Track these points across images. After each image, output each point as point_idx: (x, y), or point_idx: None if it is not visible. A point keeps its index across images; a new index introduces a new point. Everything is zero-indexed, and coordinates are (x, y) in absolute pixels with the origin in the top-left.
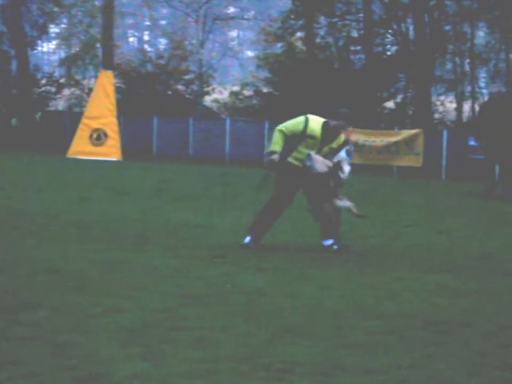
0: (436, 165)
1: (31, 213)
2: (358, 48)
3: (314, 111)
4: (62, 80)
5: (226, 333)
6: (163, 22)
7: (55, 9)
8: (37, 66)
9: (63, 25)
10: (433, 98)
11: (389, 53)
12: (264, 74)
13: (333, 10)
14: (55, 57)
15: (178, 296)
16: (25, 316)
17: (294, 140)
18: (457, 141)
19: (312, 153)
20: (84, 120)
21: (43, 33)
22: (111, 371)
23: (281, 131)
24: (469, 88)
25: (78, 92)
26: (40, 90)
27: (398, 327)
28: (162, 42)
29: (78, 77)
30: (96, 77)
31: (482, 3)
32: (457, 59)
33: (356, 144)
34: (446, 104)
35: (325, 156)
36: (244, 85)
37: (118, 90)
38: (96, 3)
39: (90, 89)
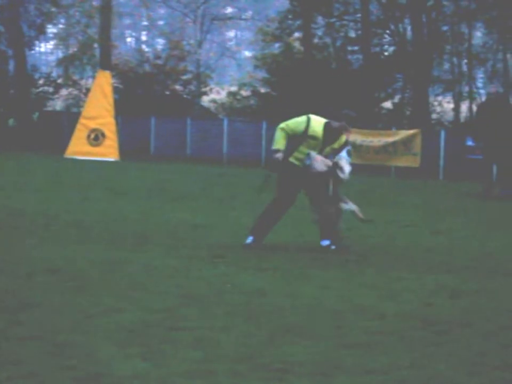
0: (434, 165)
1: (30, 213)
2: (356, 48)
3: (312, 111)
4: (59, 80)
5: (226, 333)
6: (161, 22)
7: (53, 9)
8: (35, 67)
9: (60, 26)
10: (431, 98)
11: (386, 53)
12: (261, 74)
13: (331, 10)
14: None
15: (178, 296)
16: (25, 316)
17: (296, 140)
18: (454, 141)
19: (312, 152)
20: (82, 121)
21: (41, 33)
22: (111, 371)
23: (283, 129)
24: (466, 89)
25: (75, 92)
26: (37, 90)
27: (398, 327)
28: (160, 43)
29: (75, 77)
30: (93, 77)
31: (480, 3)
32: (454, 59)
33: (353, 144)
34: (444, 105)
35: (326, 156)
36: (242, 85)
37: (115, 90)
38: (94, 3)
39: (88, 90)
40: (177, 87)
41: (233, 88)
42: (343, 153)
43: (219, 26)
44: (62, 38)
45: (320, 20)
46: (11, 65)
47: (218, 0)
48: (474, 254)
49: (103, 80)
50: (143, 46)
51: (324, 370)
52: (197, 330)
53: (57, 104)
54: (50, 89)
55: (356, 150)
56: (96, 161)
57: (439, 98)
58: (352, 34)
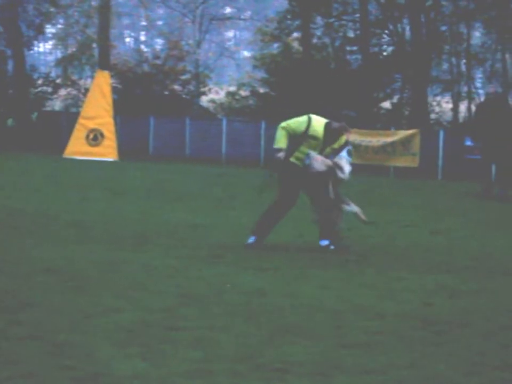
0: (432, 165)
1: (30, 213)
2: (355, 48)
3: (311, 111)
4: (58, 81)
5: (226, 333)
6: (159, 22)
7: (52, 9)
8: (33, 67)
9: (59, 26)
10: (430, 98)
11: (385, 53)
12: (260, 74)
13: (330, 10)
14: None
15: (178, 296)
16: (25, 316)
17: (296, 139)
18: (453, 141)
19: (312, 152)
20: (80, 121)
21: (39, 33)
22: (110, 371)
23: (284, 128)
24: (465, 89)
25: (74, 92)
26: (36, 90)
27: (398, 327)
28: (159, 43)
29: (74, 77)
30: (92, 77)
31: (479, 3)
32: (453, 59)
33: (352, 144)
34: (442, 105)
35: (326, 156)
36: (241, 85)
37: (114, 90)
38: (93, 3)
39: (87, 90)
40: (176, 87)
41: (232, 88)
42: (344, 153)
43: (218, 26)
44: (61, 38)
45: (319, 20)
46: (10, 65)
47: (217, 0)
48: (474, 254)
49: (101, 80)
50: (142, 46)
51: (323, 370)
52: (196, 330)
53: (56, 104)
54: (49, 89)
55: (354, 150)
56: (95, 161)
57: (438, 98)
58: (351, 34)
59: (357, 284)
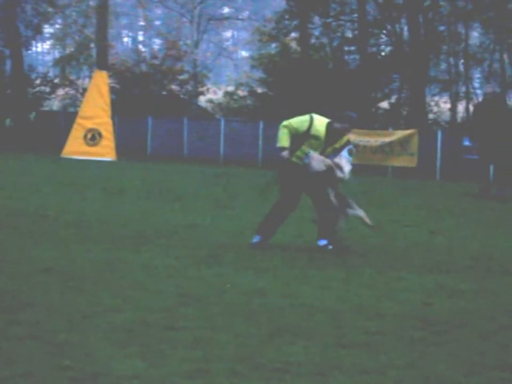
0: (430, 165)
1: (30, 213)
2: (353, 48)
3: (310, 111)
4: (56, 80)
5: (225, 333)
6: (157, 22)
7: (50, 9)
8: (31, 67)
9: (57, 26)
10: (428, 98)
11: (383, 54)
12: (258, 74)
13: (327, 10)
14: (49, 57)
15: (178, 296)
16: (24, 316)
17: (298, 139)
18: (451, 141)
19: (311, 151)
20: (78, 120)
21: (37, 33)
22: (110, 371)
23: (286, 127)
24: (463, 89)
25: (72, 92)
26: (34, 90)
27: (397, 327)
28: (157, 43)
29: (72, 77)
30: (90, 77)
31: (477, 4)
32: (451, 59)
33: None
34: (441, 105)
35: (326, 156)
36: (239, 85)
37: (112, 90)
38: (91, 3)
39: (85, 89)
40: (174, 87)
41: (230, 88)
42: (344, 153)
43: (216, 26)
44: (59, 38)
45: (317, 20)
46: (8, 65)
47: (215, 0)
48: (474, 254)
49: (99, 80)
50: (140, 46)
51: (323, 370)
52: (196, 330)
53: (54, 104)
54: (47, 89)
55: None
56: (92, 161)
57: (436, 98)
58: (349, 34)
59: (357, 284)
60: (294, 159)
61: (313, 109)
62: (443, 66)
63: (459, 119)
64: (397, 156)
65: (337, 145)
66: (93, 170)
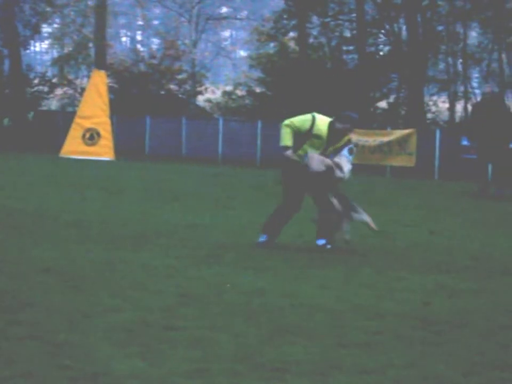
0: (429, 165)
1: (30, 213)
2: (351, 48)
3: (308, 111)
4: (54, 80)
5: (225, 333)
6: (156, 22)
7: (48, 9)
8: (30, 66)
9: (55, 25)
10: (426, 98)
11: (381, 53)
12: (257, 74)
13: (326, 10)
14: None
15: (177, 296)
16: (24, 316)
17: (300, 138)
18: (450, 141)
19: (310, 152)
20: (77, 120)
21: (36, 33)
22: (110, 371)
23: (288, 126)
24: (461, 88)
25: (70, 92)
26: (32, 90)
27: (397, 327)
28: (155, 42)
29: (70, 76)
30: (88, 76)
31: (475, 3)
32: (450, 59)
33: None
34: (439, 104)
35: (327, 156)
36: (237, 85)
37: (110, 90)
38: (89, 3)
39: (83, 89)
40: (172, 86)
41: (229, 88)
42: (344, 152)
43: (214, 26)
44: (57, 38)
45: (315, 19)
46: (6, 65)
47: (213, 0)
48: (473, 254)
49: (98, 80)
50: (138, 46)
51: (322, 369)
52: (196, 330)
53: (52, 104)
54: (45, 89)
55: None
56: (91, 161)
57: (434, 98)
58: (347, 34)
59: (357, 284)
60: (295, 158)
61: (312, 108)
62: (441, 66)
63: (457, 119)
64: (395, 156)
65: (338, 145)
66: (91, 170)
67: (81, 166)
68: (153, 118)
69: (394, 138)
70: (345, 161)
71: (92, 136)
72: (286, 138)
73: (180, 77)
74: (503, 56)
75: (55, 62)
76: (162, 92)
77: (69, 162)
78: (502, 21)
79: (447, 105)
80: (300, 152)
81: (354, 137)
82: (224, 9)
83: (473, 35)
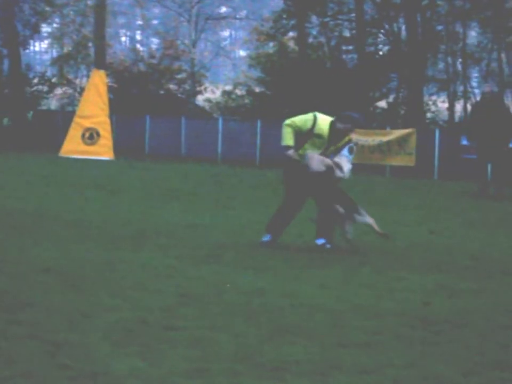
0: (428, 164)
1: (29, 213)
2: (350, 47)
3: (307, 110)
4: (54, 80)
5: (225, 333)
6: (155, 22)
7: (47, 8)
8: (29, 66)
9: (55, 25)
10: (426, 98)
11: (381, 53)
12: (256, 73)
13: (325, 10)
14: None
15: (177, 296)
16: (24, 315)
17: (301, 137)
18: (449, 140)
19: (309, 152)
20: (76, 119)
21: (35, 32)
22: (109, 370)
23: (289, 125)
24: (461, 88)
25: (70, 91)
26: (32, 89)
27: (396, 326)
28: (155, 42)
29: (70, 76)
30: (88, 76)
31: (474, 3)
32: (449, 59)
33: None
34: (438, 104)
35: (328, 155)
36: (236, 85)
37: (110, 89)
38: (88, 2)
39: (83, 89)
40: (172, 86)
41: (228, 87)
42: (344, 151)
43: (213, 26)
44: (57, 37)
45: (314, 19)
46: (5, 65)
47: None
48: (473, 254)
49: (97, 79)
50: (138, 45)
51: (322, 369)
52: (196, 330)
53: (52, 103)
54: (45, 88)
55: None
56: (90, 160)
57: (434, 97)
58: (347, 33)
59: (356, 284)
60: (297, 157)
61: (311, 108)
62: (441, 65)
63: (457, 119)
64: (395, 155)
65: (339, 145)
66: (91, 170)
67: (81, 165)
68: (153, 118)
69: (394, 138)
70: (345, 161)
71: (91, 136)
72: (288, 138)
73: (179, 76)
74: (503, 55)
75: (55, 61)
76: (162, 92)
77: (68, 161)
78: (501, 20)
79: (446, 105)
80: (301, 151)
81: (354, 136)
82: (223, 9)
83: (473, 35)
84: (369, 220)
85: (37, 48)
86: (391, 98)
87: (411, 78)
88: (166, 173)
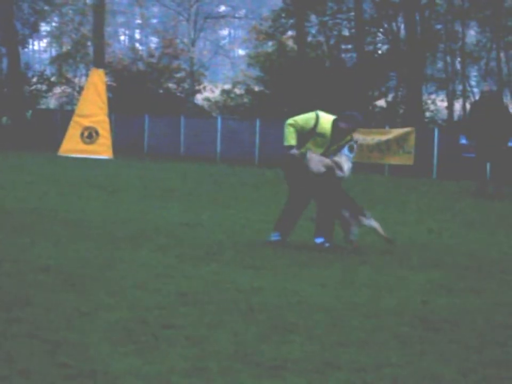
0: (427, 163)
1: (28, 212)
2: (349, 46)
3: (306, 109)
4: (53, 79)
5: (223, 331)
6: (154, 21)
7: (46, 7)
8: (28, 65)
9: (54, 24)
10: (424, 97)
11: (380, 52)
12: (255, 72)
13: (324, 9)
14: (46, 56)
15: (176, 295)
16: (21, 314)
17: (303, 136)
18: (448, 139)
19: (309, 153)
20: (75, 118)
21: (34, 31)
22: (107, 369)
23: (291, 125)
24: (460, 87)
25: (69, 90)
26: (31, 88)
27: (395, 325)
28: (154, 41)
29: (69, 75)
30: (87, 75)
31: (473, 2)
32: (448, 58)
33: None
34: (437, 103)
35: (328, 155)
36: (235, 83)
37: (109, 88)
38: (87, 1)
39: (82, 88)
40: (171, 85)
41: (227, 86)
42: (344, 150)
43: (212, 25)
44: (56, 36)
45: (313, 18)
46: (4, 63)
47: None
48: (472, 253)
49: (96, 78)
50: (137, 44)
51: (320, 367)
52: (194, 328)
53: (51, 102)
54: (44, 87)
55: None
56: (89, 159)
57: (433, 96)
58: (346, 32)
59: (356, 283)
60: (300, 156)
61: (311, 107)
62: (440, 64)
63: (456, 117)
64: (393, 154)
65: (341, 143)
66: (90, 169)
67: (80, 164)
68: (152, 117)
69: (393, 137)
70: (345, 160)
71: (90, 135)
72: (290, 138)
73: (178, 75)
74: (502, 54)
75: (54, 60)
76: (161, 91)
77: (67, 160)
78: (500, 19)
79: (445, 103)
80: (303, 150)
81: (355, 136)
82: (222, 8)
83: (472, 34)
84: (375, 223)
85: (35, 47)
86: (390, 97)
87: (410, 77)
88: (165, 172)
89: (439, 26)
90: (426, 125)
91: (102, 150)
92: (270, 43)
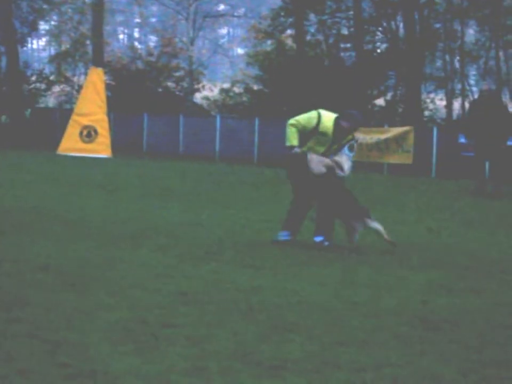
0: (426, 162)
1: (27, 211)
2: (348, 45)
3: (306, 108)
4: (52, 77)
5: (223, 330)
6: (153, 20)
7: (45, 6)
8: (27, 63)
9: (53, 22)
10: (423, 95)
11: (379, 51)
12: (254, 71)
13: (323, 7)
14: (45, 54)
15: (176, 294)
16: (21, 314)
17: (305, 135)
18: (447, 138)
19: (309, 153)
20: (74, 117)
21: (33, 30)
22: (107, 368)
23: (293, 125)
24: (459, 86)
25: (68, 89)
26: (30, 87)
27: (395, 325)
28: (153, 40)
29: (68, 73)
30: (86, 74)
31: (472, 1)
32: (447, 57)
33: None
34: (436, 102)
35: (329, 154)
36: (234, 82)
37: (108, 87)
38: (86, 0)
39: (80, 86)
40: (170, 84)
41: (226, 85)
42: (344, 149)
43: (211, 24)
44: (54, 35)
45: (312, 17)
46: (3, 62)
47: None
48: (472, 252)
49: (95, 77)
50: (136, 43)
51: (320, 367)
52: (194, 328)
53: (50, 101)
54: (43, 86)
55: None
56: (88, 158)
57: (432, 95)
58: (345, 31)
59: (353, 282)
60: (303, 154)
61: (310, 106)
62: (439, 63)
63: (455, 116)
64: (392, 153)
65: (343, 142)
66: (89, 168)
67: (79, 163)
68: (151, 116)
69: (392, 136)
70: (345, 159)
71: (89, 134)
72: (292, 138)
73: (177, 74)
74: (501, 53)
75: (53, 59)
76: (160, 89)
77: (66, 159)
78: (499, 18)
79: (444, 102)
80: (304, 149)
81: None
82: (221, 7)
83: (471, 33)
84: (379, 226)
85: (34, 46)
86: (389, 96)
87: (409, 76)
88: (164, 170)
89: (438, 25)
90: (425, 123)
91: (101, 148)
92: (269, 42)
